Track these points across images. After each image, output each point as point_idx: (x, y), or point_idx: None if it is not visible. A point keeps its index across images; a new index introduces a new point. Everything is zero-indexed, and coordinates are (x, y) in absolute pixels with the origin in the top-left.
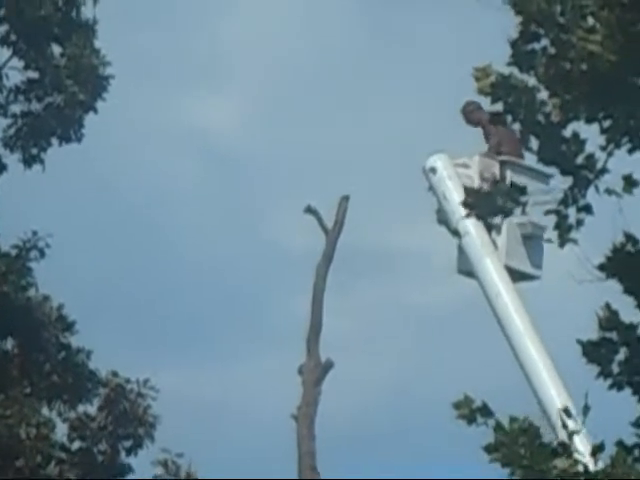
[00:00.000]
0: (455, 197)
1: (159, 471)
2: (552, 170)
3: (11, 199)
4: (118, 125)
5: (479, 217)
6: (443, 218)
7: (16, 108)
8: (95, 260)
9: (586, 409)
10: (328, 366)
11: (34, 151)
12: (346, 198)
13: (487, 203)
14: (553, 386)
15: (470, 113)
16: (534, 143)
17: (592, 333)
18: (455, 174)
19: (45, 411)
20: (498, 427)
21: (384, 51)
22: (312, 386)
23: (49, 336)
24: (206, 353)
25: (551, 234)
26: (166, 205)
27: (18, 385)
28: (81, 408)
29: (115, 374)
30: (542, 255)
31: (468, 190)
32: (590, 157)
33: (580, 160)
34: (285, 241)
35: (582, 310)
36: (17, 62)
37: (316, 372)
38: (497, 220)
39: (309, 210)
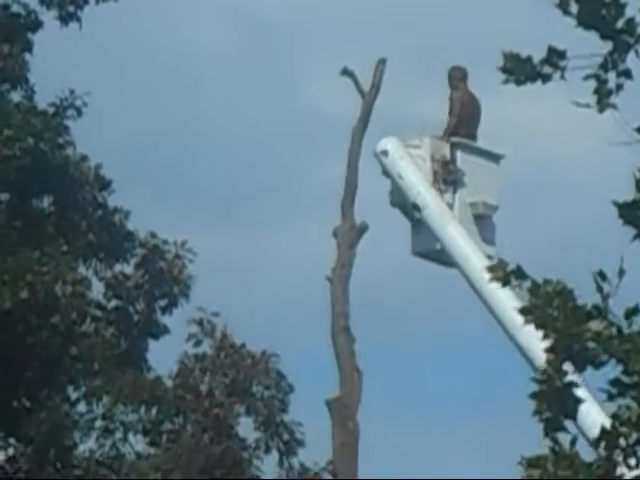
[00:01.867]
0: (410, 174)
1: (194, 330)
2: (503, 150)
3: (47, 57)
4: None
5: (518, 82)
6: (397, 199)
7: None
8: (132, 120)
9: (621, 272)
10: (363, 228)
11: (71, 9)
12: (383, 61)
13: (526, 67)
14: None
15: (454, 79)
16: (573, 6)
17: (629, 196)
18: (407, 154)
19: (81, 269)
20: (533, 289)
21: None
22: (346, 248)
23: (86, 195)
24: (242, 217)
25: (590, 99)
26: (203, 67)
27: (54, 243)
28: (117, 267)
29: (153, 235)
30: (494, 234)
31: (506, 55)
32: (630, 21)
33: (620, 24)
34: (321, 105)
35: (621, 173)
36: None
37: (351, 234)
38: (448, 198)
39: (345, 72)
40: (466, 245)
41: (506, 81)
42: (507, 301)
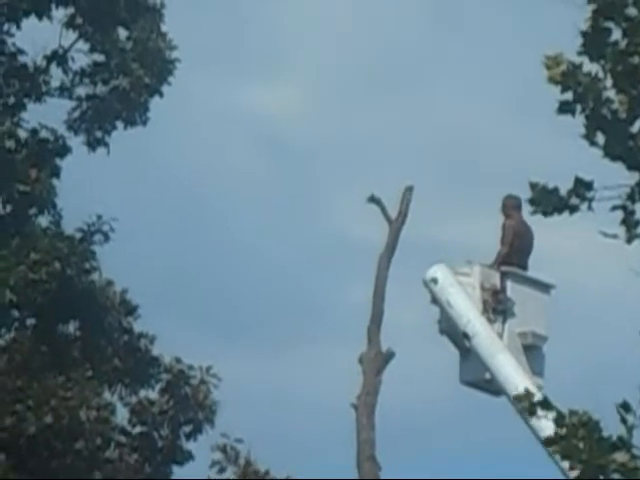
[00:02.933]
0: (460, 302)
1: (218, 456)
2: (553, 280)
3: (75, 182)
4: (183, 109)
5: (545, 214)
6: (446, 327)
7: (81, 91)
8: (158, 245)
9: None
10: (389, 356)
11: (98, 134)
12: (410, 189)
13: (553, 198)
14: None
15: (508, 207)
16: (600, 138)
17: None
18: (456, 282)
19: (106, 395)
20: (558, 419)
21: (447, 39)
22: (372, 375)
23: (112, 320)
24: (267, 342)
25: (618, 230)
26: (229, 193)
27: (80, 368)
28: (142, 393)
29: (178, 360)
30: (543, 364)
31: (533, 184)
32: None
33: None
34: (347, 231)
35: None
36: (83, 45)
37: (377, 361)
38: (497, 328)
39: (372, 199)
40: (517, 375)
41: (534, 212)
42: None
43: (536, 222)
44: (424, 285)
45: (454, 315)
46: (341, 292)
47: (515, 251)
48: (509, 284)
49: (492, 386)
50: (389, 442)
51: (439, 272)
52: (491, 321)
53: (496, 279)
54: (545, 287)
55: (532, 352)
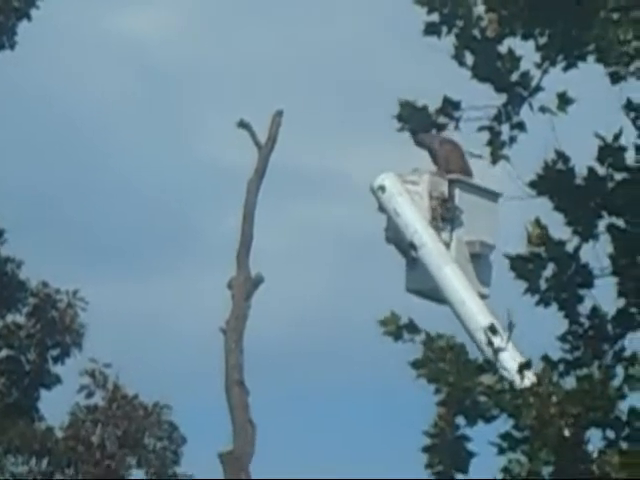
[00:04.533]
0: (407, 211)
1: (86, 381)
2: (500, 188)
3: None
4: (52, 34)
5: (413, 132)
6: (393, 236)
7: None
8: (25, 170)
9: (511, 326)
10: (258, 281)
11: None
12: (280, 113)
13: (421, 116)
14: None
15: (419, 136)
16: (469, 58)
17: (521, 249)
18: (405, 190)
19: None
20: (426, 342)
21: None
22: (241, 300)
23: None
24: (136, 267)
25: (483, 150)
26: (98, 117)
27: None
28: (9, 317)
29: (45, 284)
30: (490, 274)
31: (402, 102)
32: (525, 74)
33: (515, 77)
34: (217, 156)
35: (512, 227)
36: None
37: (246, 286)
38: (445, 237)
39: (242, 124)
40: (463, 289)
41: (401, 129)
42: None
43: (404, 140)
44: (371, 192)
45: (401, 224)
46: (211, 218)
47: (453, 159)
48: (457, 192)
49: (439, 295)
50: (258, 367)
51: (387, 180)
52: (439, 229)
53: (444, 187)
54: (493, 195)
55: (479, 261)
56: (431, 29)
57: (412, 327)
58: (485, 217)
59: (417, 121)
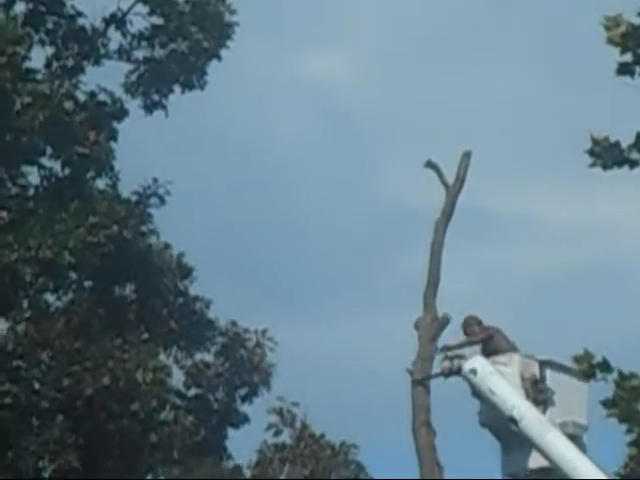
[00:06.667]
0: (503, 387)
1: (274, 419)
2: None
3: (132, 145)
4: (241, 74)
5: (604, 167)
6: (487, 419)
7: (139, 54)
8: (215, 209)
9: None
10: (445, 321)
11: (156, 98)
12: (468, 154)
13: (613, 152)
14: None
15: (469, 326)
16: None
17: None
18: (496, 370)
19: (162, 357)
20: (619, 382)
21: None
22: (428, 341)
23: (168, 283)
24: (322, 308)
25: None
26: (285, 159)
27: (136, 330)
28: (198, 356)
29: (234, 323)
30: (585, 453)
31: (595, 138)
32: None
33: None
34: (403, 197)
35: None
36: (142, 7)
37: (433, 327)
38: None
39: (429, 165)
40: (570, 450)
41: (593, 165)
42: None
43: (594, 176)
44: (463, 379)
45: (498, 402)
46: (397, 259)
47: (503, 340)
48: (549, 373)
49: (536, 475)
50: (445, 408)
51: (477, 363)
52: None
53: (535, 368)
54: (581, 374)
55: (573, 442)
56: (624, 68)
57: (605, 366)
58: (576, 397)
59: (609, 156)
